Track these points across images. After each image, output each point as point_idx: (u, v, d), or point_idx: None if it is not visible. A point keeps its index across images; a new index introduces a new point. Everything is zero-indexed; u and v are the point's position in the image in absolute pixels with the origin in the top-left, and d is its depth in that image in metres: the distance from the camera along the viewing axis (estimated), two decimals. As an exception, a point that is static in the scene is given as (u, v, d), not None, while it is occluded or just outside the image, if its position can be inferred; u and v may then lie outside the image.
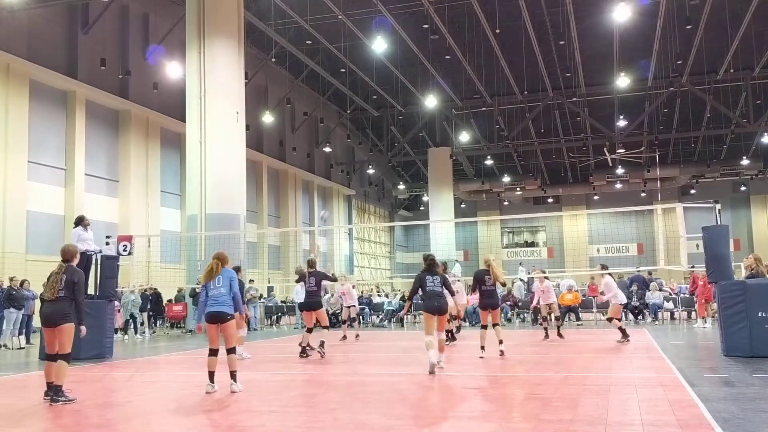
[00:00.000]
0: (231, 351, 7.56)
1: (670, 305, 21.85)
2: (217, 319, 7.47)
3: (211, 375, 7.51)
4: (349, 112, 39.52)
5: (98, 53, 23.94)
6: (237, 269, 10.88)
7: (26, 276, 16.48)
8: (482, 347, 10.75)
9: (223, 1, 20.45)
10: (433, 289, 8.89)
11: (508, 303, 22.15)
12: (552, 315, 15.07)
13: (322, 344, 11.44)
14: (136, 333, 19.41)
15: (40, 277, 10.57)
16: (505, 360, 10.36)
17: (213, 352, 7.54)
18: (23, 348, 15.37)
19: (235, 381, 7.48)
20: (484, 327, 10.99)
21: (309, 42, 29.60)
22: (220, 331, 7.57)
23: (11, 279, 15.77)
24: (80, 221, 13.12)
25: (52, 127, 22.72)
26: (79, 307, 7.18)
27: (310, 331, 11.61)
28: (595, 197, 48.31)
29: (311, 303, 11.74)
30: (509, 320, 22.13)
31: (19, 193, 20.86)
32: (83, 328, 7.23)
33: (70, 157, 23.20)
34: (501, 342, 10.75)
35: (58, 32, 23.07)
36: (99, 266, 13.16)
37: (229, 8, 20.67)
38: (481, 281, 11.00)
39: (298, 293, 16.95)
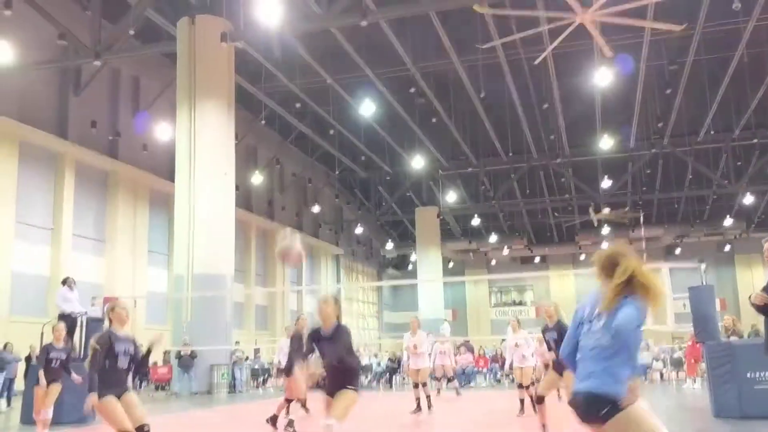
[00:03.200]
0: None
1: (659, 365, 21.81)
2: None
3: None
4: (337, 172, 39.86)
5: (89, 115, 24.19)
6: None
7: (9, 338, 16.22)
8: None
9: (214, 65, 20.86)
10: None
11: (498, 363, 22.00)
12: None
13: (290, 423, 9.93)
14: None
15: (23, 339, 10.44)
16: (497, 419, 10.23)
17: None
18: (2, 412, 15.02)
19: None
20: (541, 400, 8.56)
21: (298, 105, 30.07)
22: None
23: (-6, 341, 15.52)
24: (65, 282, 13.05)
25: (40, 187, 22.73)
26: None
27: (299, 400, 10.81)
28: (582, 257, 48.55)
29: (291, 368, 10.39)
30: (498, 381, 21.93)
31: (5, 253, 20.69)
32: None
33: (58, 217, 23.13)
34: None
35: (50, 94, 23.33)
36: (84, 328, 13.00)
37: (219, 71, 21.07)
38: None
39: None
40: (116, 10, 21.21)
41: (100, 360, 6.04)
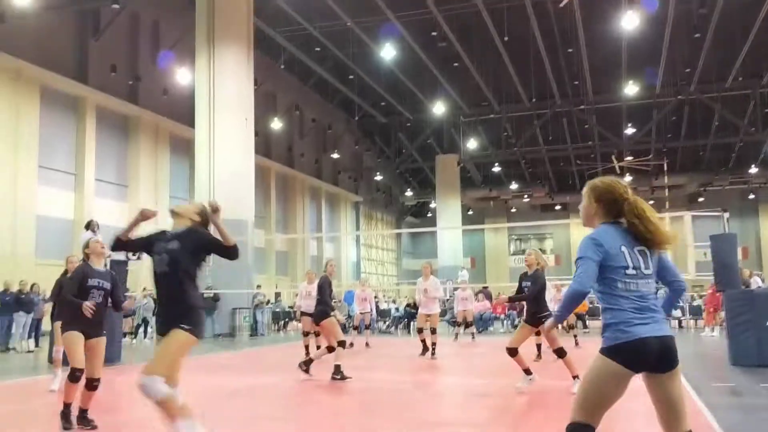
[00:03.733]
0: None
1: (677, 313, 21.81)
2: (660, 353, 3.10)
3: None
4: (357, 118, 39.61)
5: (108, 59, 24.11)
6: None
7: (36, 280, 16.59)
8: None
9: (233, 8, 20.60)
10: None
11: (516, 310, 22.13)
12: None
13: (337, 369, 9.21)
14: (145, 337, 19.49)
15: (49, 281, 10.66)
16: (510, 367, 10.32)
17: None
18: (32, 351, 15.47)
19: None
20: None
21: (318, 49, 29.72)
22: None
23: (21, 283, 15.89)
24: (89, 225, 13.22)
25: (62, 132, 22.89)
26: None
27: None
28: (603, 205, 48.19)
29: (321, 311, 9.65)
30: (515, 327, 22.08)
31: (29, 197, 21.01)
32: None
33: (80, 162, 23.35)
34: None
35: (69, 38, 23.25)
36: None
37: (238, 15, 20.82)
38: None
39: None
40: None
41: (67, 290, 5.81)
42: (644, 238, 3.07)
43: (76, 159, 23.36)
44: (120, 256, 14.49)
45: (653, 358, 2.94)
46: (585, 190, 3.32)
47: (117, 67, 24.35)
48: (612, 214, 3.16)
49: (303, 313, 12.04)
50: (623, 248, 3.04)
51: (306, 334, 11.99)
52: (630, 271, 3.01)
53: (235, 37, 20.67)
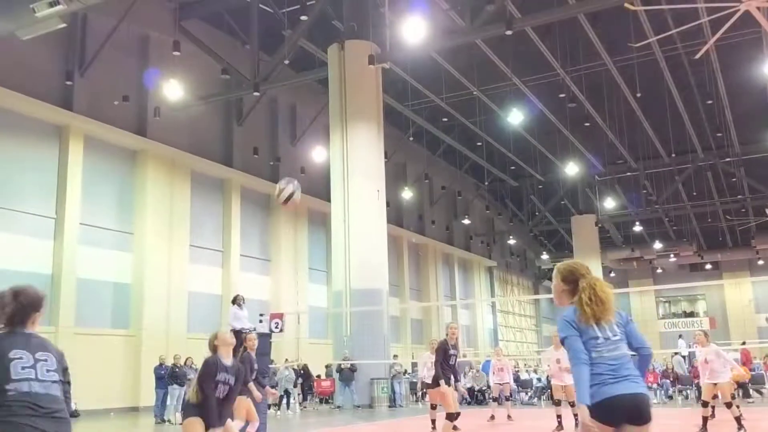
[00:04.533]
0: None
1: None
2: (631, 411, 3.37)
3: None
4: (487, 183, 39.55)
5: (251, 143, 25.80)
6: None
7: (188, 353, 17.53)
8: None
9: (364, 87, 21.48)
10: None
11: (669, 380, 20.65)
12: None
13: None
14: (287, 408, 19.91)
15: (199, 355, 11.21)
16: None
17: None
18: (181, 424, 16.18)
19: None
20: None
21: (445, 119, 30.23)
22: None
23: (175, 357, 16.82)
24: (236, 300, 13.88)
25: (210, 212, 24.49)
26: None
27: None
28: (760, 262, 44.56)
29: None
30: (671, 398, 20.56)
31: (181, 275, 22.46)
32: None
33: (227, 239, 24.79)
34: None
35: (216, 126, 25.15)
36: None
37: (368, 93, 21.66)
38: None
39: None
40: (272, 42, 22.55)
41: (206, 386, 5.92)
42: (598, 315, 3.52)
43: (223, 236, 24.83)
44: (264, 328, 15.07)
45: (626, 412, 3.33)
46: (554, 272, 3.78)
47: (259, 150, 25.96)
48: (593, 310, 3.53)
49: (427, 385, 11.78)
50: (602, 328, 3.51)
51: (434, 407, 11.71)
52: (600, 341, 3.47)
53: (366, 114, 21.46)
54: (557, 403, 12.24)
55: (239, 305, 13.72)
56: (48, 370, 3.02)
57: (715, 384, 10.67)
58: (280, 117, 27.95)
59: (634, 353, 3.64)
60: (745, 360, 20.83)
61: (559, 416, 11.91)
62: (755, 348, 35.44)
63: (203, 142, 24.06)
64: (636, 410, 3.33)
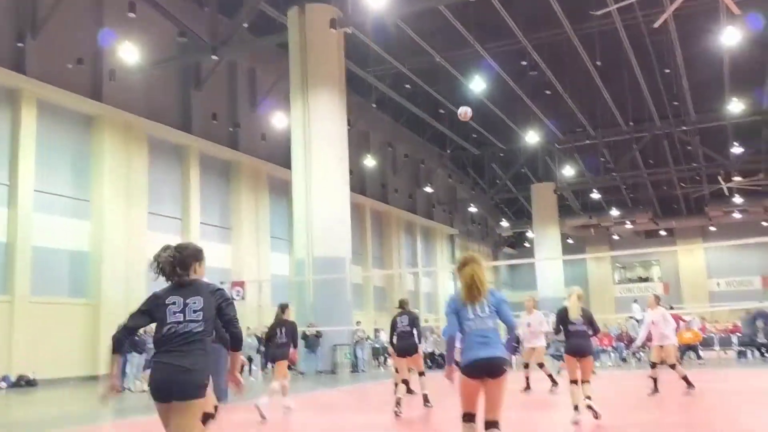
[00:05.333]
0: (495, 425, 4.56)
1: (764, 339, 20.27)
2: (486, 369, 4.55)
3: None
4: (449, 152, 39.69)
5: (210, 108, 25.37)
6: (285, 307, 10.61)
7: (148, 321, 17.35)
8: (575, 407, 7.85)
9: (325, 52, 21.21)
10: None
11: (624, 343, 21.24)
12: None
13: (426, 398, 10.05)
14: (250, 374, 19.95)
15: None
16: (625, 402, 9.85)
17: (470, 417, 4.65)
18: (145, 391, 16.13)
19: None
20: (573, 382, 8.06)
21: (408, 86, 30.11)
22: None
23: (135, 325, 16.64)
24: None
25: (169, 179, 24.10)
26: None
27: (406, 383, 10.29)
28: (712, 228, 45.84)
29: (406, 346, 10.12)
30: (624, 360, 21.17)
31: (140, 243, 22.14)
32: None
33: (186, 207, 24.47)
34: (588, 397, 7.92)
35: (173, 91, 24.63)
36: (214, 311, 13.67)
37: (330, 58, 21.40)
38: (565, 320, 8.31)
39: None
40: (231, 4, 22.07)
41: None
42: (472, 296, 4.73)
43: (182, 204, 24.50)
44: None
45: (485, 370, 4.54)
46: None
47: (217, 115, 25.55)
48: (468, 290, 4.75)
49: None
50: (472, 306, 4.72)
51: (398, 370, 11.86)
52: (471, 317, 4.67)
53: (328, 80, 21.24)
54: (526, 366, 12.54)
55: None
56: (194, 311, 3.87)
57: (662, 346, 10.96)
58: (239, 82, 27.48)
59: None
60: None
61: (527, 378, 12.22)
62: (707, 312, 36.55)
63: (160, 108, 23.58)
64: (492, 368, 4.53)
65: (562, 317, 8.36)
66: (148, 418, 10.60)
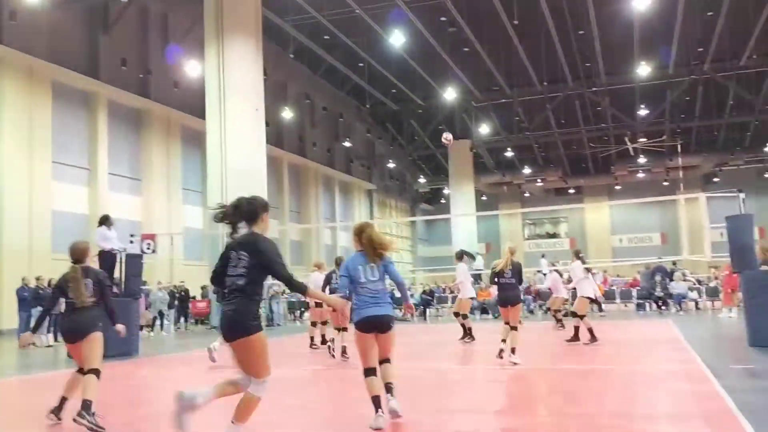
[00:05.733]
0: (386, 361, 5.44)
1: (694, 295, 21.68)
2: (377, 325, 5.37)
3: (376, 401, 5.21)
4: (368, 106, 39.52)
5: (119, 54, 24.19)
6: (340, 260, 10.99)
7: (53, 275, 16.71)
8: (503, 340, 9.24)
9: (241, -1, 20.54)
10: (230, 283, 4.55)
11: (531, 296, 22.11)
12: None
13: (344, 350, 10.62)
14: (161, 329, 19.64)
15: (66, 277, 10.71)
16: (529, 352, 10.30)
17: (372, 372, 5.34)
18: (51, 346, 15.62)
19: (392, 395, 5.40)
20: (507, 323, 9.35)
21: (327, 37, 29.61)
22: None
23: (38, 278, 16.03)
24: (104, 220, 13.30)
25: (75, 128, 23.00)
26: (112, 306, 6.25)
27: (338, 329, 10.87)
28: (617, 187, 47.89)
29: None
30: (531, 312, 22.07)
31: (44, 193, 21.17)
32: (121, 327, 6.28)
33: (93, 157, 23.48)
34: (513, 351, 8.86)
35: (79, 34, 23.32)
36: (124, 264, 13.33)
37: (246, 5, 20.74)
38: (500, 273, 9.34)
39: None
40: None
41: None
42: (372, 257, 5.42)
43: (89, 154, 23.49)
44: (135, 249, 14.61)
45: (375, 326, 5.32)
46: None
47: (127, 61, 24.42)
48: (360, 245, 5.49)
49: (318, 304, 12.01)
50: (359, 267, 5.39)
51: (314, 324, 12.46)
52: (364, 280, 5.34)
53: (244, 28, 20.61)
54: (465, 316, 13.08)
55: (108, 226, 13.20)
56: (237, 267, 4.47)
57: (566, 299, 11.86)
58: (150, 27, 26.28)
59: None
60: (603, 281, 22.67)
61: (463, 326, 12.82)
62: (610, 266, 38.40)
63: (66, 51, 22.31)
64: (381, 325, 5.32)
65: (495, 271, 9.38)
66: (53, 373, 10.32)
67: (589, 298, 12.04)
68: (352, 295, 5.40)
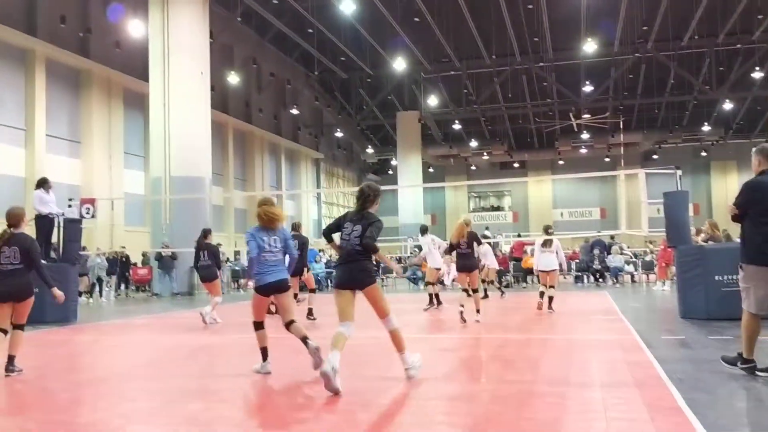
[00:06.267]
0: (291, 323, 6.27)
1: (630, 268, 22.40)
2: (275, 289, 6.32)
3: (264, 352, 6.38)
4: (317, 73, 39.04)
5: (58, 10, 23.18)
6: (298, 225, 11.78)
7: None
8: (462, 305, 10.48)
9: (187, -42, 19.92)
10: (347, 245, 5.77)
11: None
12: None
13: (310, 311, 11.32)
14: (101, 296, 19.25)
15: None
16: (469, 322, 10.54)
17: (260, 325, 6.43)
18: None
19: (308, 343, 6.10)
20: (465, 290, 10.70)
21: (275, 1, 29.01)
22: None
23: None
24: (42, 184, 12.89)
25: (10, 86, 22.05)
26: (42, 273, 6.58)
27: (295, 296, 11.12)
28: (561, 162, 48.81)
29: (297, 268, 10.95)
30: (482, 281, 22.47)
31: (-24, 153, 20.31)
32: (59, 293, 6.71)
33: (30, 117, 22.58)
34: (478, 311, 10.42)
35: (15, -13, 22.25)
36: (62, 229, 12.96)
37: (193, -35, 20.15)
38: (457, 244, 10.62)
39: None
40: None
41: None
42: (267, 229, 6.34)
43: (26, 114, 22.59)
44: (74, 214, 14.20)
45: (273, 289, 6.29)
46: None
47: (66, 18, 23.44)
48: (262, 222, 6.39)
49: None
50: (264, 237, 6.28)
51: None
52: (266, 249, 6.24)
53: (190, -12, 20.04)
54: (431, 284, 13.67)
55: (46, 189, 12.80)
56: (351, 234, 5.78)
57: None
58: (91, -16, 25.25)
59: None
60: (517, 250, 23.23)
61: (431, 294, 13.43)
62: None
63: (1, 5, 21.25)
64: (279, 287, 6.28)
65: (452, 242, 10.62)
66: None
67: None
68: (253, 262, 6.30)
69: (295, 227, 11.78)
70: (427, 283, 14.01)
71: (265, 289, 6.26)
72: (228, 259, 23.98)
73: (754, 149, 5.94)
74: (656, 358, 6.54)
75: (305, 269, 11.47)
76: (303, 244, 11.02)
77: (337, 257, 5.97)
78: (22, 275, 6.43)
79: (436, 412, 4.80)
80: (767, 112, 40.91)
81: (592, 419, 4.33)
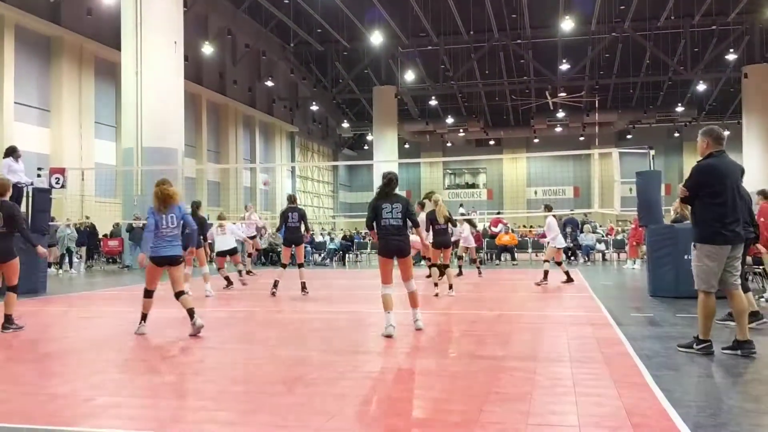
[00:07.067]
0: (180, 294, 7.10)
1: (602, 247, 22.68)
2: (168, 262, 7.09)
3: (145, 316, 7.22)
4: (292, 45, 38.57)
5: (25, -27, 22.55)
6: (197, 205, 11.77)
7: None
8: (435, 284, 11.14)
9: (161, -77, 19.44)
10: (389, 222, 6.95)
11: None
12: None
13: (275, 284, 11.56)
14: (71, 267, 19.01)
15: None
16: (441, 298, 10.60)
17: (150, 294, 7.21)
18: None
19: (193, 317, 6.96)
20: (434, 265, 11.40)
21: (252, -29, 28.54)
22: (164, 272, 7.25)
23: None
24: (11, 152, 12.63)
25: (-24, 52, 21.46)
26: (26, 234, 7.64)
27: (284, 266, 11.98)
28: (536, 140, 49.03)
29: (294, 239, 11.79)
30: (459, 257, 22.56)
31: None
32: (43, 250, 7.92)
33: (-2, 84, 22.05)
34: (451, 287, 11.03)
35: (-19, -52, 21.55)
36: (31, 199, 12.73)
37: (167, -69, 19.67)
38: (434, 221, 11.08)
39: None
40: None
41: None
42: (161, 207, 7.00)
43: (-7, 80, 22.03)
44: (43, 183, 13.95)
45: (167, 262, 7.02)
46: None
47: (35, -17, 22.82)
48: (158, 200, 7.02)
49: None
50: (164, 217, 6.97)
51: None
52: (163, 225, 6.96)
53: (164, -45, 19.57)
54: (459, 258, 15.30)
55: (15, 158, 12.53)
56: (392, 213, 6.92)
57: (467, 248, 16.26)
58: (61, -53, 24.55)
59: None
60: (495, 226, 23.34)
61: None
62: (522, 217, 39.59)
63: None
64: (172, 261, 7.00)
65: (431, 219, 11.08)
66: None
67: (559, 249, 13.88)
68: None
69: (292, 200, 12.32)
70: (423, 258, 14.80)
71: (159, 261, 7.02)
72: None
73: (700, 131, 6.03)
74: (625, 335, 6.64)
75: (203, 243, 12.03)
76: (201, 224, 11.35)
77: (378, 234, 6.96)
78: (5, 238, 7.35)
79: (406, 387, 4.82)
80: (740, 94, 41.43)
81: (561, 393, 4.39)
